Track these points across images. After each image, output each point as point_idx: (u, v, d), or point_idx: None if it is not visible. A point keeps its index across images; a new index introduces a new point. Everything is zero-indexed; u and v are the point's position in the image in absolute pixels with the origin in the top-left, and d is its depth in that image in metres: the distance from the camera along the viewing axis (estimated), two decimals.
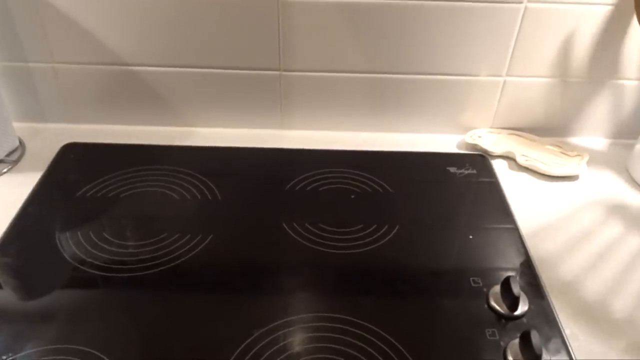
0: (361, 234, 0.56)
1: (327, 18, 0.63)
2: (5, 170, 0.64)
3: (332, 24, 0.64)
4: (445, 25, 0.64)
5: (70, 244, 0.54)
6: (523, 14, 0.63)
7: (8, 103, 0.67)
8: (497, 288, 0.50)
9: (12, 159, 0.65)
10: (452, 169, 0.66)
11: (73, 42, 0.65)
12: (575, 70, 0.67)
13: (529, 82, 0.69)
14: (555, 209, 0.62)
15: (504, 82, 0.68)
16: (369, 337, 0.46)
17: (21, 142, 0.68)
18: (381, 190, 0.62)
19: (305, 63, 0.67)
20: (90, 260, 0.52)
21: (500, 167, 0.68)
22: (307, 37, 0.65)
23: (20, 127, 0.69)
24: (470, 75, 0.68)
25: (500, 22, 0.63)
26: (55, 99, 0.70)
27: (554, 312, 0.49)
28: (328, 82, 0.69)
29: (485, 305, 0.49)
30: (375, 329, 0.46)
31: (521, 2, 0.62)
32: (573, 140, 0.73)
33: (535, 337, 0.43)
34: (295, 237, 0.56)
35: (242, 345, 0.44)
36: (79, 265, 0.52)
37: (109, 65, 0.67)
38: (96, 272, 0.51)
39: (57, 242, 0.54)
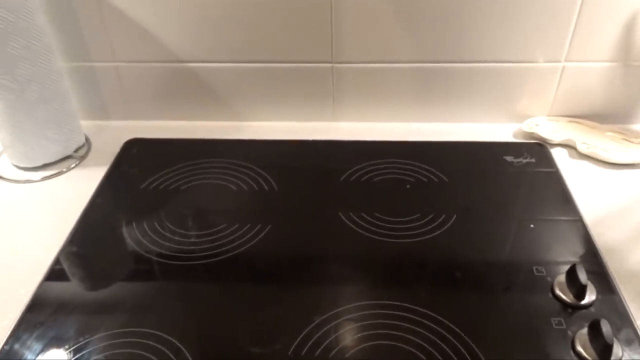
0: (418, 223, 0.56)
1: (377, 7, 0.63)
2: (73, 165, 0.67)
3: (382, 13, 0.63)
4: (498, 10, 0.62)
5: (136, 234, 0.56)
6: None
7: (75, 101, 0.71)
8: (562, 277, 0.48)
9: (80, 155, 0.69)
10: (509, 158, 0.65)
11: (133, 41, 0.68)
12: (638, 53, 0.65)
13: (589, 67, 0.66)
14: (619, 198, 0.59)
15: (563, 67, 0.66)
16: (430, 324, 0.45)
17: (87, 139, 0.71)
18: (436, 180, 0.62)
19: (357, 55, 0.67)
20: (155, 249, 0.54)
21: (559, 156, 0.66)
22: (358, 28, 0.65)
23: (85, 125, 0.72)
24: (526, 61, 0.66)
25: (559, 4, 0.61)
26: (117, 97, 0.73)
27: (624, 301, 0.47)
28: (379, 73, 0.69)
29: (550, 295, 0.48)
30: (436, 316, 0.46)
31: None
32: (636, 127, 0.70)
33: (605, 326, 0.42)
34: (352, 226, 0.56)
35: (303, 333, 0.45)
36: (144, 254, 0.54)
37: (167, 63, 0.70)
38: (160, 260, 0.53)
39: (124, 233, 0.57)
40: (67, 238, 0.56)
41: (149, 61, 0.69)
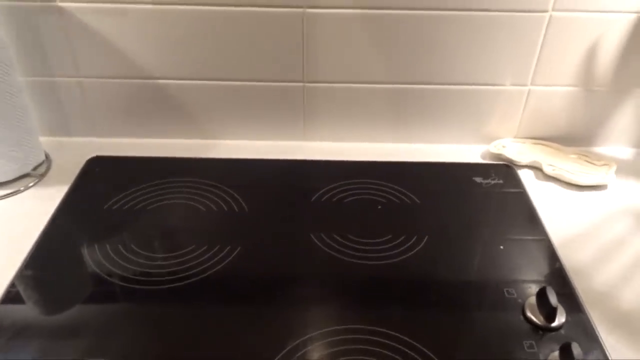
0: (390, 244, 0.56)
1: (350, 29, 0.63)
2: (31, 184, 0.64)
3: (355, 35, 0.64)
4: (469, 34, 0.64)
5: (98, 257, 0.53)
6: (548, 23, 0.62)
7: (35, 117, 0.68)
8: (532, 299, 0.49)
9: (39, 173, 0.66)
10: (478, 179, 0.66)
11: (98, 56, 0.66)
12: (599, 79, 0.67)
13: (554, 91, 0.68)
14: (585, 219, 0.61)
15: (529, 91, 0.68)
16: (402, 348, 0.45)
17: (47, 156, 0.68)
18: (408, 201, 0.62)
19: (329, 74, 0.67)
20: (118, 272, 0.52)
21: (526, 177, 0.67)
22: (330, 49, 0.65)
23: (46, 141, 0.69)
24: (495, 84, 0.68)
25: (525, 30, 0.63)
26: (80, 113, 0.70)
27: (592, 323, 0.48)
28: (351, 93, 0.69)
29: (521, 317, 0.48)
30: (409, 340, 0.45)
31: (546, 11, 0.62)
32: (598, 149, 0.73)
33: (576, 349, 0.42)
34: (324, 248, 0.55)
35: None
36: (107, 278, 0.51)
37: (134, 79, 0.68)
38: (124, 284, 0.51)
39: (85, 255, 0.54)
40: (24, 261, 0.53)
41: (114, 77, 0.67)
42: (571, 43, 0.64)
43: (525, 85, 0.68)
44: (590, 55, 0.65)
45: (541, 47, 0.64)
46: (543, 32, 0.63)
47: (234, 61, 0.66)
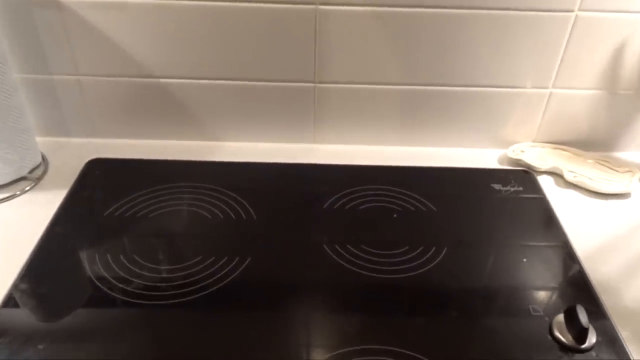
0: (407, 256, 0.53)
1: (364, 27, 0.60)
2: (28, 187, 0.61)
3: (369, 34, 0.61)
4: (488, 34, 0.61)
5: (99, 269, 0.50)
6: (573, 23, 0.59)
7: (31, 117, 0.64)
8: (560, 317, 0.46)
9: (35, 176, 0.62)
10: (497, 186, 0.63)
11: (98, 53, 0.62)
12: (625, 82, 0.64)
13: (576, 95, 0.65)
14: (609, 229, 0.58)
15: (550, 94, 0.65)
16: None
17: (44, 158, 0.65)
18: (424, 209, 0.59)
19: (341, 75, 0.64)
20: (121, 285, 0.49)
21: (546, 184, 0.64)
22: (343, 48, 0.62)
23: (43, 142, 0.66)
24: (515, 87, 0.65)
25: (549, 31, 0.60)
26: (79, 113, 0.67)
27: (624, 344, 0.45)
28: (364, 94, 0.66)
29: (549, 336, 0.46)
30: None
31: (572, 11, 0.59)
32: (619, 154, 0.70)
33: None
34: (338, 260, 0.52)
35: None
36: (108, 292, 0.48)
37: (135, 78, 0.64)
38: (127, 298, 0.48)
39: (86, 266, 0.51)
40: (20, 272, 0.50)
41: (114, 75, 0.64)
42: (597, 44, 0.61)
43: (546, 87, 0.65)
44: (616, 57, 0.62)
45: (565, 48, 0.61)
46: (568, 32, 0.60)
47: (241, 60, 0.63)
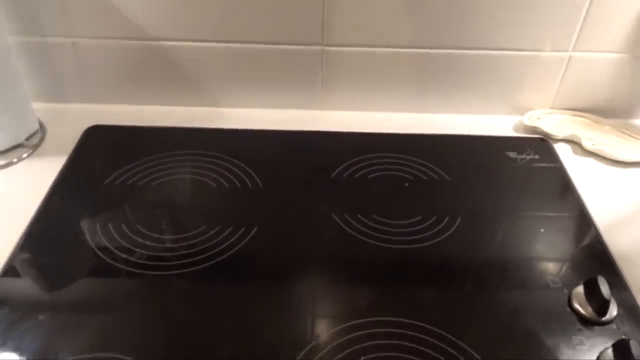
0: (420, 226, 0.51)
1: None
2: (25, 155, 0.58)
3: None
4: None
5: (100, 239, 0.49)
6: None
7: (26, 82, 0.61)
8: (579, 289, 0.44)
9: (32, 143, 0.60)
10: (512, 154, 0.60)
11: (95, 14, 0.59)
12: None
13: (597, 58, 0.62)
14: (629, 199, 0.56)
15: (570, 57, 0.62)
16: (437, 343, 0.40)
17: (41, 125, 0.62)
18: (437, 178, 0.57)
19: (350, 37, 0.61)
20: (123, 255, 0.47)
21: (563, 152, 0.62)
22: (352, 8, 0.58)
23: (39, 109, 0.63)
24: (532, 50, 0.62)
25: None
26: (76, 78, 0.64)
27: None
28: (372, 57, 0.63)
29: (568, 308, 0.44)
30: (444, 334, 0.41)
31: None
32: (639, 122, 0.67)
33: (635, 349, 0.38)
34: (348, 229, 0.50)
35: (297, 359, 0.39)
36: (110, 262, 0.46)
37: (134, 40, 0.61)
38: (130, 268, 0.46)
39: (86, 236, 0.49)
40: (19, 242, 0.48)
41: (113, 37, 0.61)
42: (621, 4, 0.58)
43: (566, 51, 0.62)
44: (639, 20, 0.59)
45: (587, 10, 0.58)
46: None
47: (245, 21, 0.60)
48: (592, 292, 0.43)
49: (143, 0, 0.58)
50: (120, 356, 0.39)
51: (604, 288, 0.42)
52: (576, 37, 0.60)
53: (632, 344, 0.38)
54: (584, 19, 0.59)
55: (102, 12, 0.59)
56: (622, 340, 0.39)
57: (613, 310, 0.43)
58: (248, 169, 0.57)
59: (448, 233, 0.50)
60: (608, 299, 0.42)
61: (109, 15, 0.59)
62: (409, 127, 0.64)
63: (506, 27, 0.60)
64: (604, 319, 0.43)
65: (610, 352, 0.40)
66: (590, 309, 0.43)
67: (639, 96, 0.65)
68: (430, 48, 0.62)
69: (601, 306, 0.43)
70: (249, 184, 0.55)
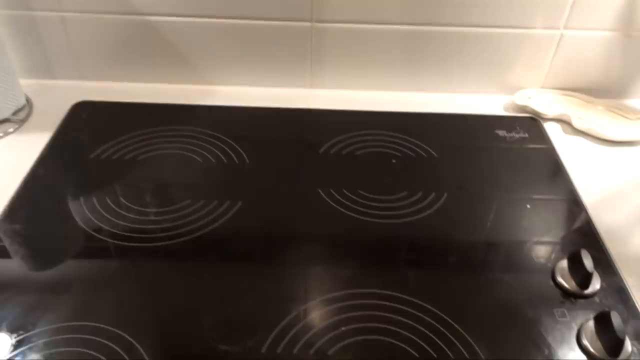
0: (405, 202, 0.51)
1: None
2: (11, 130, 0.58)
3: None
4: None
5: (85, 211, 0.48)
6: None
7: (13, 57, 0.61)
8: (563, 263, 0.44)
9: (19, 118, 0.60)
10: (502, 133, 0.60)
11: None
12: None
13: (589, 36, 0.62)
14: (617, 177, 0.56)
15: (561, 35, 0.61)
16: (421, 315, 0.40)
17: (28, 100, 0.62)
18: (425, 155, 0.57)
19: (340, 13, 0.60)
20: (107, 228, 0.47)
21: (553, 131, 0.61)
22: None
23: (26, 84, 0.63)
24: (522, 27, 0.61)
25: None
26: (64, 53, 0.64)
27: (629, 290, 0.43)
28: (363, 34, 0.62)
29: (551, 282, 0.44)
30: (428, 306, 0.41)
31: None
32: (631, 102, 0.67)
33: (616, 319, 0.38)
34: (333, 204, 0.50)
35: (279, 327, 0.39)
36: (94, 234, 0.46)
37: (123, 15, 0.61)
38: (114, 241, 0.46)
39: (70, 208, 0.49)
40: (3, 213, 0.48)
41: (101, 12, 0.60)
42: None
43: (557, 28, 0.61)
44: None
45: None
46: None
47: None
48: (576, 266, 0.43)
49: None
50: (103, 326, 0.39)
51: (587, 261, 0.42)
52: (567, 15, 0.60)
53: (613, 314, 0.38)
54: None
55: None
56: (603, 312, 0.39)
57: (596, 284, 0.43)
58: (235, 144, 0.57)
59: (434, 209, 0.50)
60: (591, 272, 0.42)
61: None
62: (399, 106, 0.64)
63: (497, 5, 0.59)
64: (586, 292, 0.43)
65: (591, 323, 0.40)
66: (573, 283, 0.43)
67: (630, 75, 0.65)
68: (421, 24, 0.61)
69: (584, 279, 0.42)
70: (235, 159, 0.55)
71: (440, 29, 0.62)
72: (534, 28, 0.61)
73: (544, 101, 0.64)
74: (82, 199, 0.50)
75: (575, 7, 0.59)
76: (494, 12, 0.60)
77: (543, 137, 0.60)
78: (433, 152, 0.57)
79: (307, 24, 0.61)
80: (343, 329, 0.39)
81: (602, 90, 0.65)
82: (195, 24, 0.61)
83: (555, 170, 0.56)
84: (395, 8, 0.60)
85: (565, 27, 0.61)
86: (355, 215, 0.49)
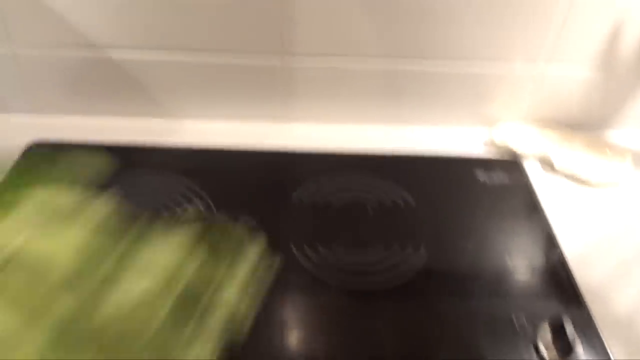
0: (383, 265, 0.48)
1: None
2: None
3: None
4: (477, 1, 0.54)
5: None
6: None
7: None
8: (546, 329, 0.43)
9: None
10: (482, 176, 0.58)
11: (34, 21, 0.54)
12: (620, 59, 0.59)
13: (568, 71, 0.60)
14: (600, 222, 0.54)
15: (542, 68, 0.59)
16: None
17: None
18: (402, 203, 0.54)
19: (313, 45, 0.57)
20: None
21: (534, 169, 0.60)
22: (316, 13, 0.55)
23: None
24: (503, 60, 0.59)
25: (545, 3, 0.54)
26: (16, 87, 0.59)
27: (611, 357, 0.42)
28: (339, 67, 0.59)
29: (534, 352, 0.42)
30: None
31: None
32: (613, 132, 0.65)
33: None
34: (306, 265, 0.47)
35: None
36: None
37: (80, 49, 0.57)
38: None
39: None
40: None
41: (57, 46, 0.56)
42: (598, 16, 0.55)
43: (537, 62, 0.59)
44: (616, 32, 0.56)
45: (563, 19, 0.55)
46: (566, 7, 0.54)
47: (199, 26, 0.55)
48: (559, 335, 0.42)
49: (90, 7, 0.53)
50: None
51: (570, 331, 0.41)
52: (549, 48, 0.58)
53: None
54: (558, 29, 0.56)
55: (45, 18, 0.54)
56: None
57: (579, 351, 0.42)
58: (200, 191, 0.53)
59: (411, 265, 0.48)
60: (573, 346, 0.41)
61: (52, 22, 0.54)
62: (376, 141, 0.61)
63: (477, 36, 0.57)
64: None
65: None
66: (555, 352, 0.42)
67: (610, 110, 0.63)
68: (399, 57, 0.59)
69: (566, 350, 0.41)
70: (200, 207, 0.52)
71: (420, 62, 0.59)
72: (514, 61, 0.59)
73: (523, 137, 0.62)
74: None
75: (556, 42, 0.57)
76: (473, 45, 0.58)
77: (524, 182, 0.58)
78: (410, 199, 0.54)
79: (278, 56, 0.58)
80: None
81: (582, 124, 0.64)
82: (157, 56, 0.58)
83: (537, 220, 0.54)
84: (370, 41, 0.57)
85: (546, 61, 0.59)
86: (332, 283, 0.46)
